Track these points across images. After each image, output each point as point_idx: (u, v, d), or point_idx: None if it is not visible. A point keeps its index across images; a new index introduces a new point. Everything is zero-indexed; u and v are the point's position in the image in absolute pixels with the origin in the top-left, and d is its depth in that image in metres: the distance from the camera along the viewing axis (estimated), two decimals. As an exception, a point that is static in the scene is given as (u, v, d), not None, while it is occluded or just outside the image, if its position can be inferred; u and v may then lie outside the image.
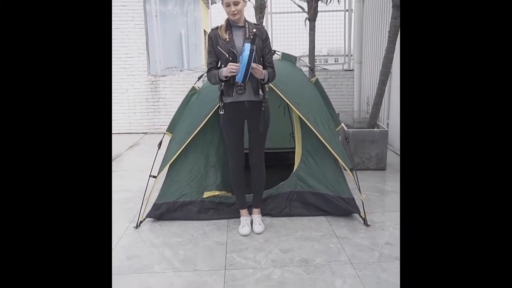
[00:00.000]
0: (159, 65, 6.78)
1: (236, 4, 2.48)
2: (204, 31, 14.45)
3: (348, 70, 6.78)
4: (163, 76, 6.68)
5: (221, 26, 2.60)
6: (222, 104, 2.63)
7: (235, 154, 2.76)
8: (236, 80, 2.43)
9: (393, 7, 3.84)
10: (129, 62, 6.56)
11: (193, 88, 3.20)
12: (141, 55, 6.58)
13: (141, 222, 2.98)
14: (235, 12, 2.50)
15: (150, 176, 3.05)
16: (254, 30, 2.57)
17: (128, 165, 4.76)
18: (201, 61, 14.08)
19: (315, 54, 5.74)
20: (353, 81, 6.66)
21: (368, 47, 6.29)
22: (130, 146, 5.82)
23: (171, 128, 3.15)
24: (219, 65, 2.61)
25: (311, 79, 3.29)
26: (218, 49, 2.55)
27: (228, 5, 2.49)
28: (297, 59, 3.35)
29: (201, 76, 3.27)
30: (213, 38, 2.59)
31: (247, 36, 2.54)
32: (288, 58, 3.34)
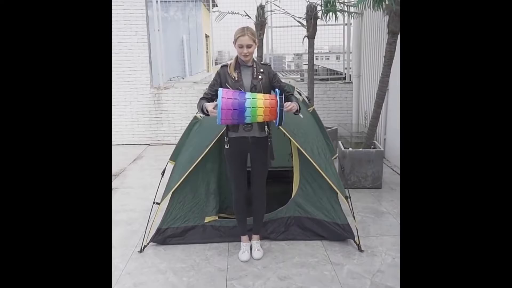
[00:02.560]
0: (161, 78, 6.92)
1: (249, 47, 2.63)
2: (206, 35, 14.57)
3: (347, 82, 6.90)
4: (165, 88, 6.83)
5: (230, 64, 2.74)
6: (228, 139, 2.76)
7: (238, 185, 2.89)
8: (276, 126, 2.54)
9: (388, 33, 3.97)
10: (132, 76, 6.71)
11: (195, 117, 3.35)
12: (144, 69, 6.72)
13: (145, 246, 3.13)
14: (247, 54, 2.64)
15: (154, 202, 3.20)
16: (262, 70, 2.72)
17: (133, 182, 4.91)
18: (202, 66, 14.23)
19: (315, 52, 5.70)
20: (352, 94, 6.80)
21: (366, 61, 6.41)
22: (134, 160, 5.97)
23: (174, 156, 3.30)
24: None
25: (308, 109, 3.43)
26: (227, 86, 2.67)
27: (241, 47, 2.63)
28: (295, 88, 3.48)
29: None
30: (221, 75, 2.73)
31: (254, 76, 2.68)
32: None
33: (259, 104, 2.44)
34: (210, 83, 2.80)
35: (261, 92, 2.64)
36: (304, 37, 5.43)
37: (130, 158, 6.02)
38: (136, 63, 6.68)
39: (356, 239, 3.08)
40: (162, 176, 3.31)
